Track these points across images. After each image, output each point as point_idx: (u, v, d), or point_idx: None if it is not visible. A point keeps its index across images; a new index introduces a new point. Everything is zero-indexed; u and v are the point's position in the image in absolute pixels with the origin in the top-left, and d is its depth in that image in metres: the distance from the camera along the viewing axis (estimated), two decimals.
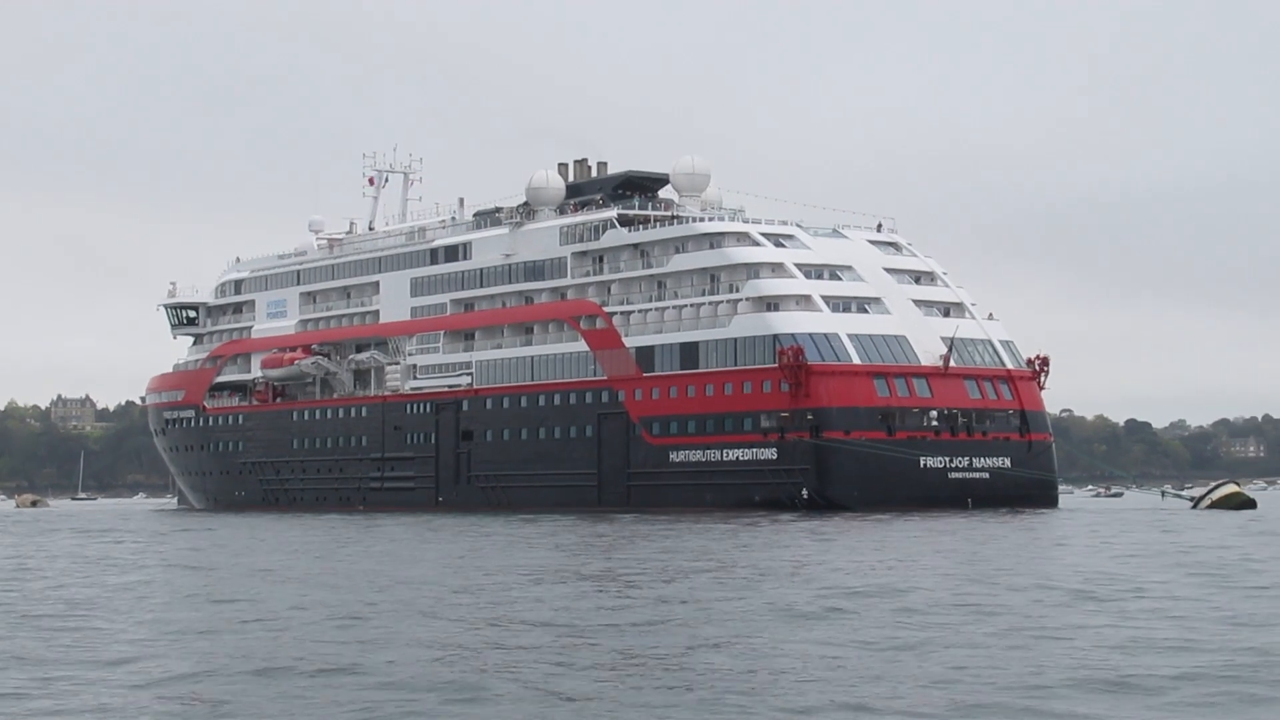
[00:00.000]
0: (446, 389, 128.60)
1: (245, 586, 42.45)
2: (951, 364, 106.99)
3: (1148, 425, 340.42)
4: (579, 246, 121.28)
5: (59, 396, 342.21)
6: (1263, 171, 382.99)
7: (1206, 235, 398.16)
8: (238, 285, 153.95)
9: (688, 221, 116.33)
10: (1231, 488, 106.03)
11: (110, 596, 39.47)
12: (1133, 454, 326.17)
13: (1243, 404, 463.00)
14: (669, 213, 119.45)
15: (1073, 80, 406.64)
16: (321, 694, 22.80)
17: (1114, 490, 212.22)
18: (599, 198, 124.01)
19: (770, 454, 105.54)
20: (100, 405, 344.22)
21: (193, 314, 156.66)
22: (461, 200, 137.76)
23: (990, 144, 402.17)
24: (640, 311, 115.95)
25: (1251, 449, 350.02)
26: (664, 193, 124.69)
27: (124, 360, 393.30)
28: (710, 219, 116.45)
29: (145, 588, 42.96)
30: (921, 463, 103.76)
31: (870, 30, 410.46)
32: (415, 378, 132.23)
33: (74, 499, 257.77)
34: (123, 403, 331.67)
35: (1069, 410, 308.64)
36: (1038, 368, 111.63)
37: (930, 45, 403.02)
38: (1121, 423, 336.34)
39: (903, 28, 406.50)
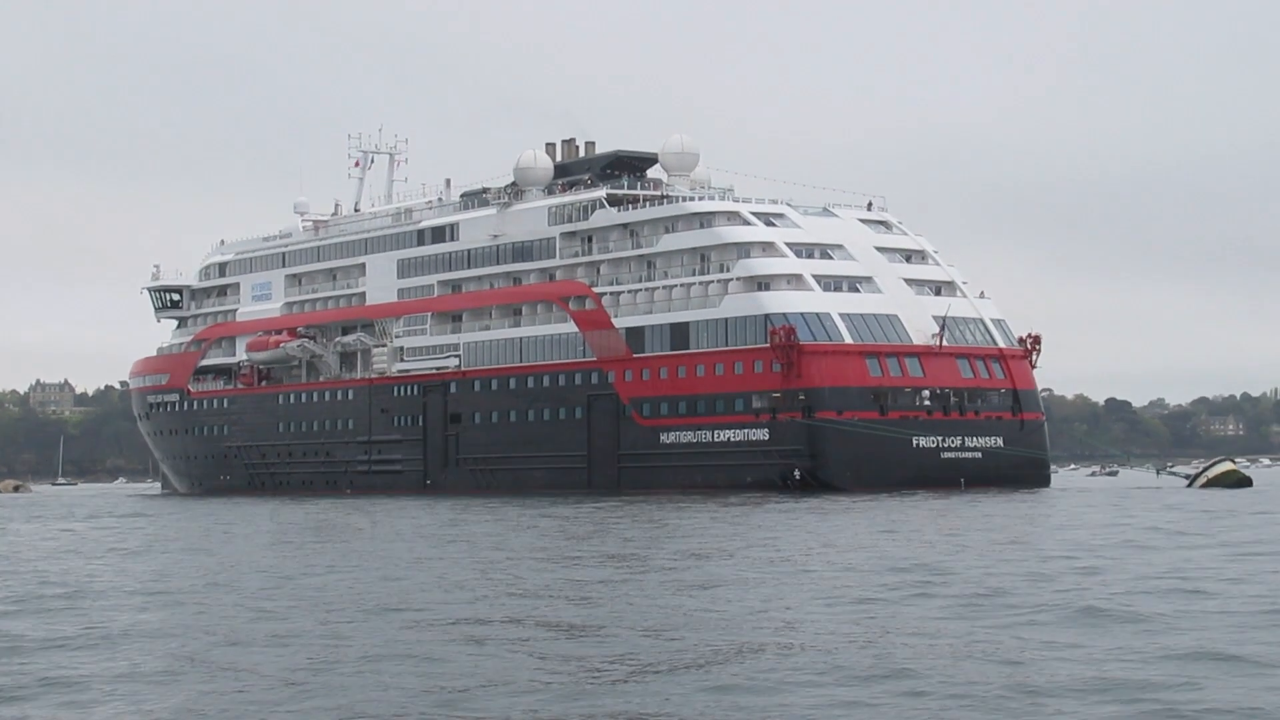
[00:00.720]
0: (434, 371, 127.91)
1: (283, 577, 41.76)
2: (943, 343, 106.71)
3: (1128, 404, 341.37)
4: (567, 227, 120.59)
5: (38, 381, 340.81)
6: (1240, 147, 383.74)
7: (1182, 212, 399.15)
8: (222, 268, 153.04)
9: (677, 201, 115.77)
10: (1227, 465, 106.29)
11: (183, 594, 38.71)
12: (1113, 433, 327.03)
13: (1221, 382, 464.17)
14: (658, 192, 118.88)
15: (1050, 57, 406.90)
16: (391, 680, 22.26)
17: (1109, 469, 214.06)
18: (587, 178, 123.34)
19: (762, 435, 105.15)
20: (79, 390, 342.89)
21: (176, 297, 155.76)
22: (448, 181, 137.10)
23: (965, 122, 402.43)
24: (630, 292, 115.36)
25: (1231, 427, 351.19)
26: (652, 172, 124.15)
27: (103, 345, 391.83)
28: (700, 198, 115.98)
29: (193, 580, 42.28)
30: (914, 442, 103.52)
31: (849, 8, 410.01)
32: (402, 360, 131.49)
33: (54, 484, 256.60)
34: (101, 387, 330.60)
35: (1049, 389, 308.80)
36: (1029, 346, 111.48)
37: (908, 24, 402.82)
38: (1101, 401, 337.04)
39: (882, 6, 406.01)
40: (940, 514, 66.07)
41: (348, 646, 25.73)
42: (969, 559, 40.47)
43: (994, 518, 62.70)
